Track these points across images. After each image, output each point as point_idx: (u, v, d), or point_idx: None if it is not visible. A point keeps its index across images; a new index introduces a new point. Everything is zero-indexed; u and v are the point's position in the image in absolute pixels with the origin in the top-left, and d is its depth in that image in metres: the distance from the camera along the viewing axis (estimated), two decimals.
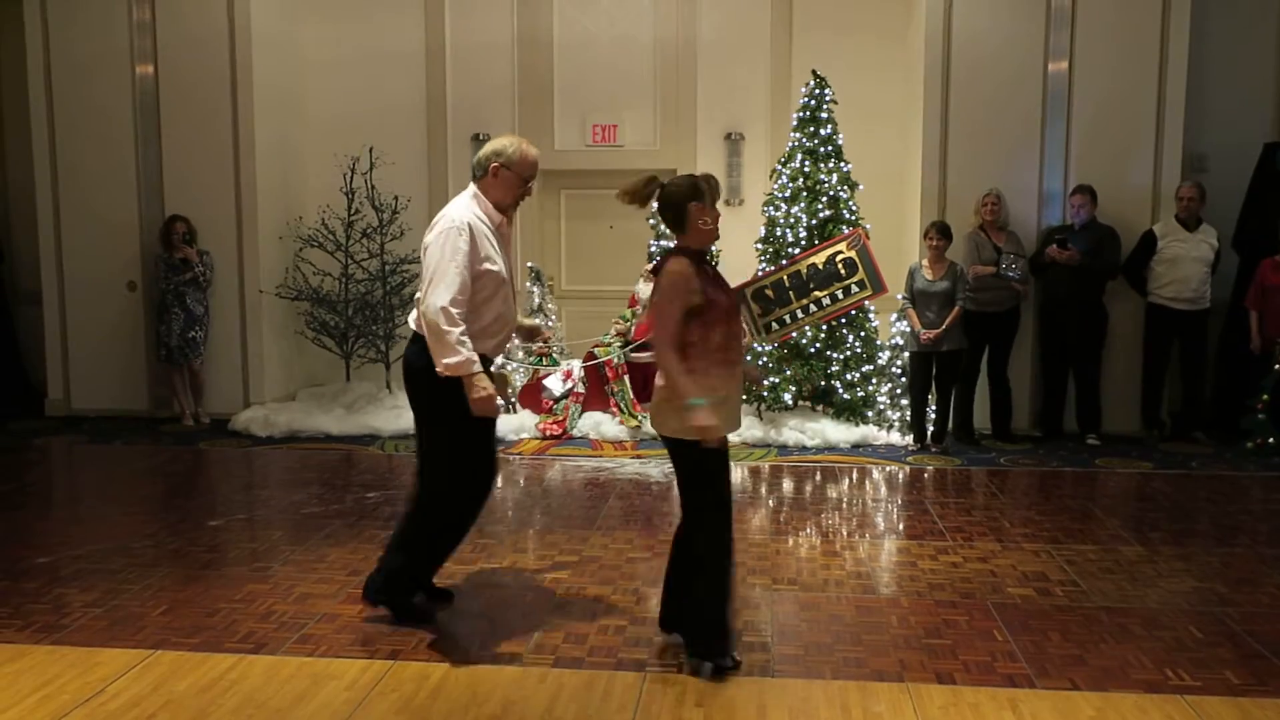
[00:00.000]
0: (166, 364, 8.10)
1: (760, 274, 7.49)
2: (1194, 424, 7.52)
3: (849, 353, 7.50)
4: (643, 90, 8.81)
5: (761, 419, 7.56)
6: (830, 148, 7.60)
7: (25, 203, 8.75)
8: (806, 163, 7.58)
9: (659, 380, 3.52)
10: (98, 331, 8.37)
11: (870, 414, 7.50)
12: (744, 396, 7.60)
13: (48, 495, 6.44)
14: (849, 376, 7.50)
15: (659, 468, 6.61)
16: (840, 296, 7.27)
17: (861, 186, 7.67)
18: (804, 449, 7.21)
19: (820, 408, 7.69)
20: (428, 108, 8.91)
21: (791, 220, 7.54)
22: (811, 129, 7.62)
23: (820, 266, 7.29)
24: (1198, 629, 3.93)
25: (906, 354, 7.36)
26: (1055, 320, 7.49)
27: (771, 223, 7.70)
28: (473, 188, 3.89)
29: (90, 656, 3.65)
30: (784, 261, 7.45)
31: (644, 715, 3.23)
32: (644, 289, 7.47)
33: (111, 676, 3.49)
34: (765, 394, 7.55)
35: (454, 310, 3.62)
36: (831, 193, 7.51)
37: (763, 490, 6.19)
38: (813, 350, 7.49)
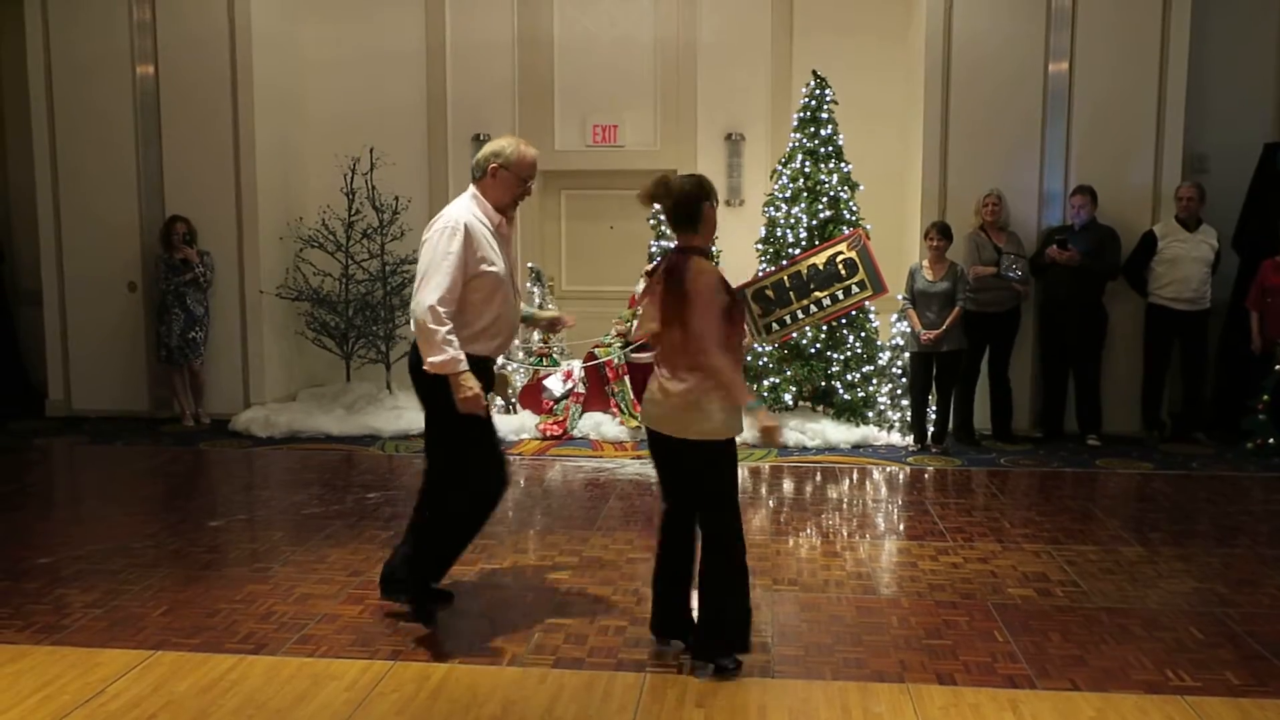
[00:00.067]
0: (167, 364, 8.10)
1: (761, 274, 7.49)
2: (1194, 425, 7.52)
3: (849, 353, 7.50)
4: (643, 91, 8.81)
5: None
6: (831, 148, 7.60)
7: (26, 203, 8.75)
8: (807, 163, 7.58)
9: (675, 385, 3.45)
10: (98, 332, 8.37)
11: (871, 414, 7.50)
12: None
13: (48, 496, 6.44)
14: (849, 377, 7.50)
15: None
16: (841, 297, 7.27)
17: (862, 187, 7.67)
18: (804, 449, 7.21)
19: (820, 408, 7.69)
20: (428, 108, 8.91)
21: (792, 221, 7.54)
22: (812, 129, 7.62)
23: (821, 267, 7.29)
24: (1198, 630, 3.93)
25: (907, 354, 7.36)
26: (1055, 321, 7.49)
27: (772, 223, 7.70)
28: (472, 189, 3.91)
29: (91, 657, 3.65)
30: (784, 262, 7.46)
31: (644, 716, 3.23)
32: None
33: (112, 677, 3.49)
34: (765, 394, 7.55)
35: (441, 309, 3.64)
36: (832, 193, 7.51)
37: (763, 491, 6.19)
38: (813, 351, 7.49)
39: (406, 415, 7.82)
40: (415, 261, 3.89)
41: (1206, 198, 7.33)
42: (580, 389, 7.81)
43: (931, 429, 7.23)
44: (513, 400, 7.92)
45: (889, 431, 7.42)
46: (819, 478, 6.52)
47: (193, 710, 3.26)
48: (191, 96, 8.16)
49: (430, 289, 3.66)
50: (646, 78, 8.80)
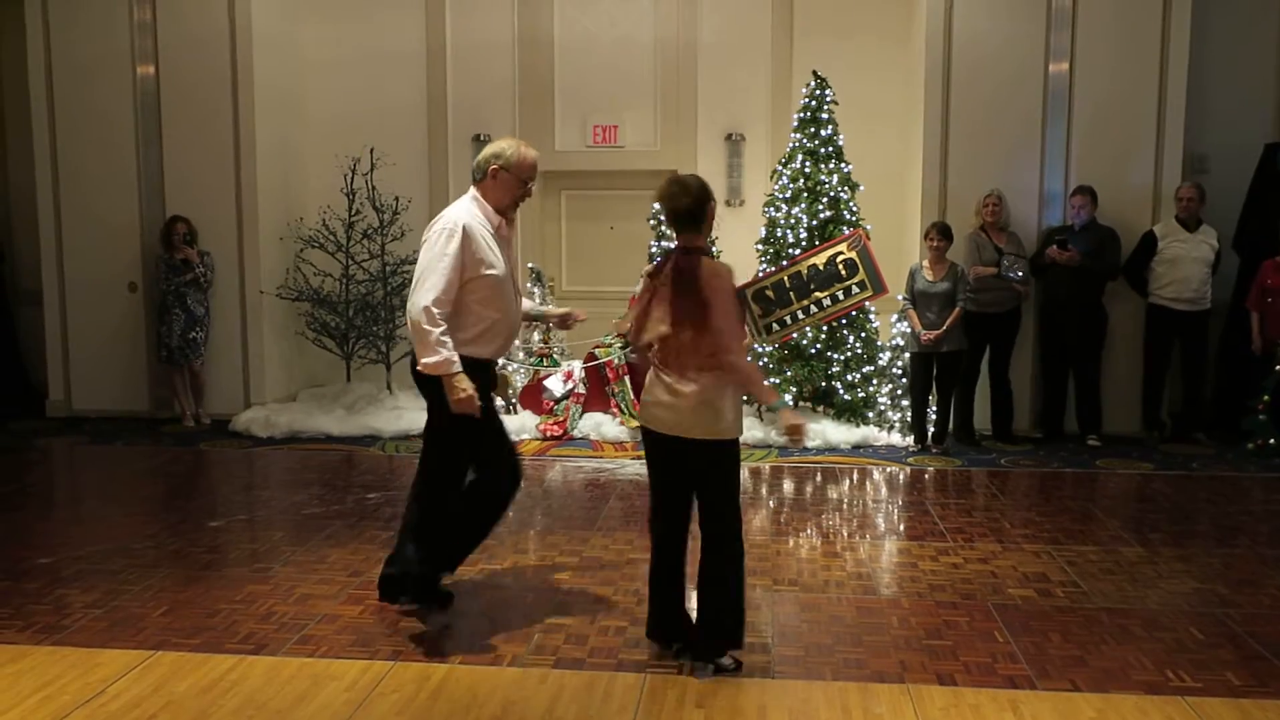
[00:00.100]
0: (167, 365, 8.10)
1: (760, 275, 7.43)
2: (1195, 425, 7.51)
3: (850, 354, 7.50)
4: (643, 91, 8.81)
5: (762, 420, 7.55)
6: (831, 149, 7.60)
7: (26, 203, 8.75)
8: (807, 163, 7.58)
9: (686, 387, 3.44)
10: (99, 332, 8.38)
11: (871, 415, 7.50)
12: (744, 397, 7.65)
13: (49, 496, 6.44)
14: (850, 377, 7.50)
15: None
16: (841, 297, 7.22)
17: (862, 187, 7.67)
18: (805, 450, 7.21)
19: (821, 409, 7.68)
20: (428, 108, 8.91)
21: (792, 221, 7.54)
22: (812, 130, 7.62)
23: (821, 267, 7.26)
24: (1198, 630, 3.93)
25: (907, 355, 7.36)
26: (1055, 321, 7.49)
27: (772, 223, 7.70)
28: (473, 190, 3.94)
29: (91, 657, 3.65)
30: (784, 262, 7.44)
31: (645, 716, 3.23)
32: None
33: (112, 677, 3.49)
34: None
35: (436, 310, 3.67)
36: (832, 193, 7.51)
37: (763, 491, 6.19)
38: (813, 351, 7.49)
39: (407, 415, 7.82)
40: (415, 262, 3.90)
41: (1206, 198, 7.33)
42: (580, 389, 7.81)
43: (932, 429, 7.23)
44: (513, 401, 7.92)
45: (889, 432, 7.42)
46: (819, 478, 6.52)
47: (193, 710, 3.26)
48: (192, 97, 8.16)
49: (426, 290, 3.68)
50: (647, 78, 8.80)
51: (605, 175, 8.85)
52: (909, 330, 7.17)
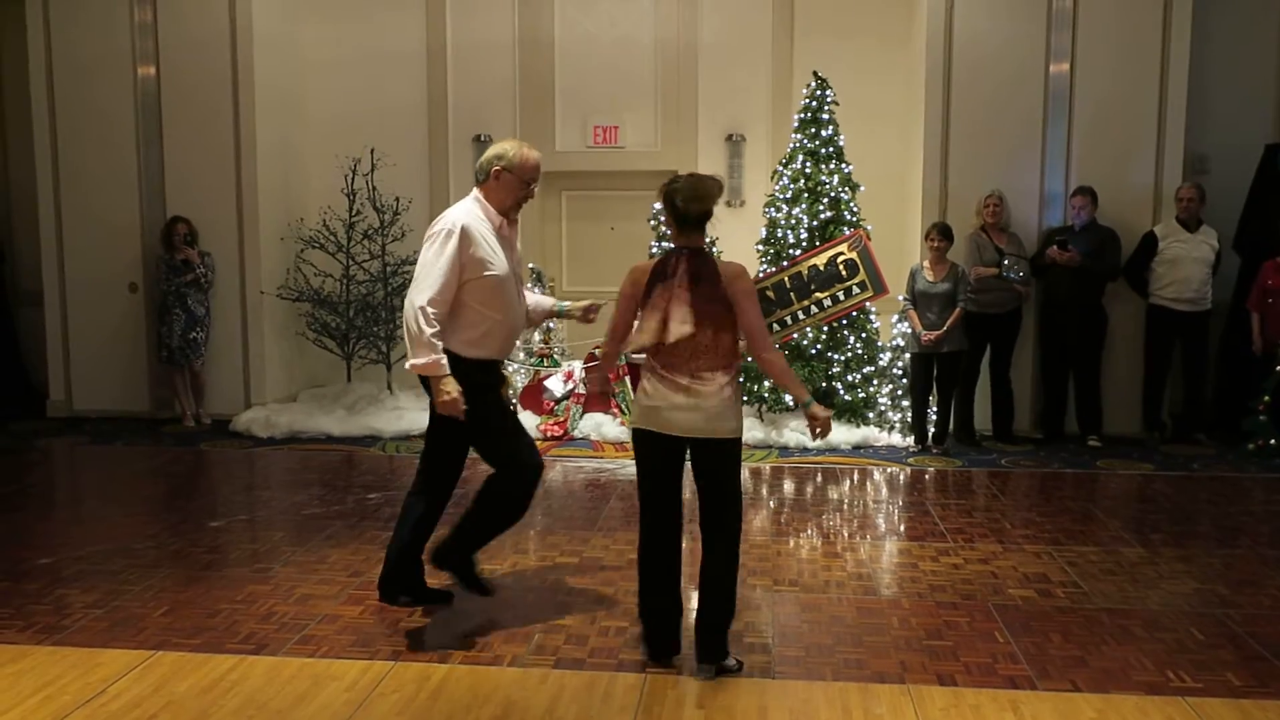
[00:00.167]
0: (168, 365, 8.10)
1: (761, 275, 7.49)
2: (1195, 426, 7.51)
3: (850, 354, 7.50)
4: (644, 92, 8.81)
5: (763, 420, 7.56)
6: (831, 149, 7.60)
7: (27, 204, 8.76)
8: (808, 164, 7.58)
9: (705, 387, 3.42)
10: (99, 333, 8.38)
11: (871, 415, 7.50)
12: (744, 398, 7.66)
13: (49, 496, 6.44)
14: (850, 378, 7.50)
15: None
16: (841, 298, 7.27)
17: (863, 188, 7.67)
18: (805, 450, 7.21)
19: None
20: (429, 109, 8.91)
21: (793, 221, 7.54)
22: (813, 130, 7.62)
23: (821, 268, 7.29)
24: (1199, 631, 3.92)
25: (907, 355, 7.36)
26: (1055, 322, 7.49)
27: (773, 224, 7.70)
28: (475, 191, 3.96)
29: (91, 657, 3.65)
30: (785, 263, 7.46)
31: (645, 717, 3.23)
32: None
33: (113, 677, 3.49)
34: (766, 395, 7.55)
35: (431, 311, 3.69)
36: (833, 194, 7.51)
37: (764, 491, 6.19)
38: (814, 351, 7.49)
39: (408, 416, 7.83)
40: (416, 263, 3.91)
41: (1207, 198, 7.33)
42: (581, 389, 7.82)
43: (932, 430, 7.23)
44: (513, 401, 7.92)
45: (890, 432, 7.42)
46: (820, 478, 6.52)
47: (193, 711, 3.26)
48: (192, 97, 8.17)
49: (422, 290, 3.71)
50: (647, 79, 8.81)
51: (606, 176, 8.85)
52: (909, 331, 7.18)
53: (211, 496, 6.18)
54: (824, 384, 7.52)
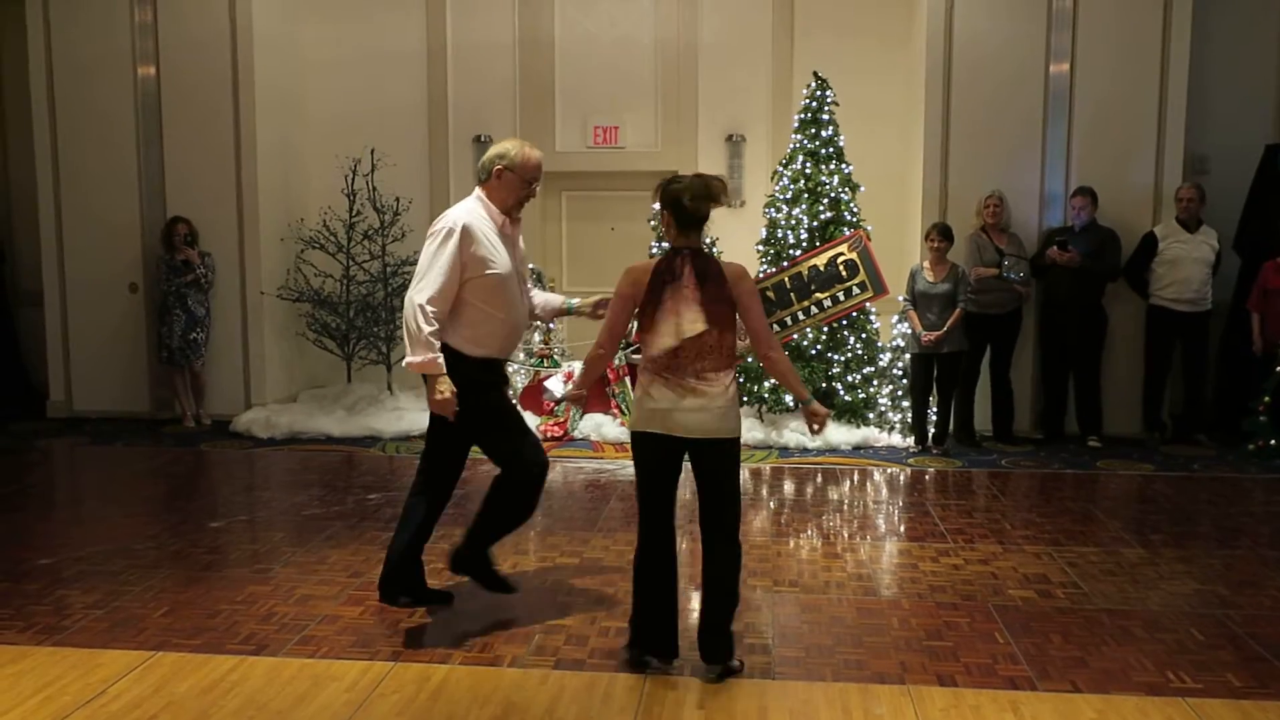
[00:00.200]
0: (168, 365, 8.10)
1: (761, 276, 7.49)
2: (1195, 426, 7.51)
3: (850, 354, 7.50)
4: (644, 92, 8.81)
5: (763, 421, 7.56)
6: (831, 149, 7.60)
7: (27, 204, 8.76)
8: (808, 164, 7.58)
9: (711, 387, 3.42)
10: (99, 333, 8.38)
11: (871, 416, 7.50)
12: (744, 398, 7.67)
13: (49, 497, 6.44)
14: (850, 378, 7.50)
15: None
16: (841, 298, 7.27)
17: (863, 188, 7.67)
18: (805, 451, 7.21)
19: None
20: (429, 109, 8.91)
21: (793, 222, 7.54)
22: (813, 131, 7.62)
23: (821, 268, 7.30)
24: (1199, 631, 3.92)
25: (908, 356, 7.36)
26: (1055, 322, 7.49)
27: (773, 224, 7.70)
28: (478, 190, 3.98)
29: (92, 658, 3.65)
30: (785, 263, 7.46)
31: (645, 718, 3.23)
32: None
33: (113, 678, 3.49)
34: (766, 395, 7.55)
35: (430, 309, 3.72)
36: (833, 194, 7.51)
37: (764, 492, 6.19)
38: (814, 352, 7.48)
39: (408, 416, 7.83)
40: (416, 263, 3.92)
41: (1207, 199, 7.33)
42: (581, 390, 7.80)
43: (932, 430, 7.22)
44: (514, 402, 7.92)
45: (890, 433, 7.42)
46: (820, 479, 6.52)
47: (194, 711, 3.26)
48: (193, 97, 8.17)
49: (421, 289, 3.74)
50: (647, 79, 8.81)
51: (606, 176, 8.85)
52: (909, 331, 7.17)
53: (212, 497, 6.18)
54: (824, 384, 7.52)
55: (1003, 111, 7.66)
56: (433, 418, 3.97)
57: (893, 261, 7.65)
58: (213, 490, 6.38)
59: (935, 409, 7.23)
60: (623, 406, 7.71)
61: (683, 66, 8.72)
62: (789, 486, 6.32)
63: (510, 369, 7.89)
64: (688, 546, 4.85)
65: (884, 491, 6.27)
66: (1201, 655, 3.71)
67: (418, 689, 3.42)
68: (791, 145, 7.75)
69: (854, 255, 7.23)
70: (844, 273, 7.25)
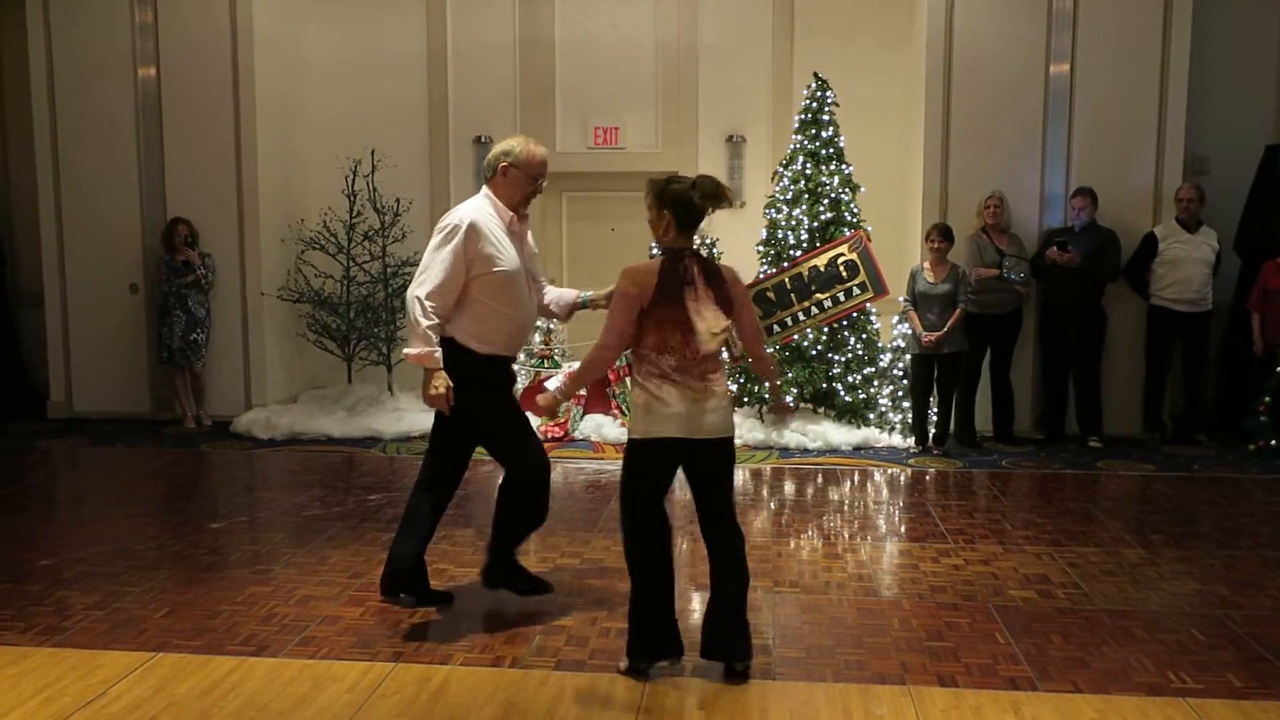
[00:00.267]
0: (168, 366, 8.10)
1: (762, 276, 7.50)
2: (1196, 426, 7.51)
3: (850, 355, 7.50)
4: (644, 92, 8.82)
5: (763, 421, 7.56)
6: (832, 150, 7.60)
7: (27, 205, 8.76)
8: (808, 165, 7.59)
9: (718, 387, 3.45)
10: (100, 334, 8.38)
11: (872, 416, 7.50)
12: (745, 398, 7.67)
13: (50, 498, 6.45)
14: (850, 379, 7.50)
15: None
16: (842, 299, 7.28)
17: (863, 189, 7.67)
18: (806, 451, 7.21)
19: (822, 410, 7.68)
20: (429, 110, 8.92)
21: (793, 222, 7.54)
22: (813, 131, 7.62)
23: (822, 269, 7.30)
24: (1200, 632, 3.92)
25: (908, 356, 7.36)
26: (1055, 323, 7.49)
27: (773, 225, 7.70)
28: (485, 188, 4.00)
29: (92, 659, 3.65)
30: (785, 264, 7.46)
31: (646, 718, 3.23)
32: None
33: (113, 679, 3.49)
34: (766, 396, 7.54)
35: (429, 304, 3.75)
36: (833, 195, 7.52)
37: (764, 492, 6.19)
38: (814, 352, 7.49)
39: (408, 417, 7.83)
40: (416, 264, 3.94)
41: (1207, 199, 7.34)
42: (582, 390, 7.81)
43: (933, 431, 7.22)
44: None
45: (890, 433, 7.42)
46: (820, 480, 6.51)
47: (194, 712, 3.26)
48: (193, 99, 8.17)
49: (423, 282, 3.78)
50: (648, 80, 8.81)
51: (606, 177, 8.85)
52: (910, 332, 7.17)
53: (212, 498, 6.18)
54: (825, 385, 7.52)
55: (1003, 112, 7.66)
56: (438, 414, 3.98)
57: (893, 262, 7.66)
58: (213, 491, 6.38)
59: (936, 409, 7.23)
60: (622, 407, 7.71)
61: (683, 67, 8.72)
62: (789, 487, 6.32)
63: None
64: (688, 547, 4.86)
65: (884, 492, 6.27)
66: (1202, 656, 3.71)
67: (418, 690, 3.42)
68: (792, 146, 7.75)
69: (854, 256, 7.23)
70: (844, 273, 7.25)
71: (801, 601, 4.26)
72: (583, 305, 4.29)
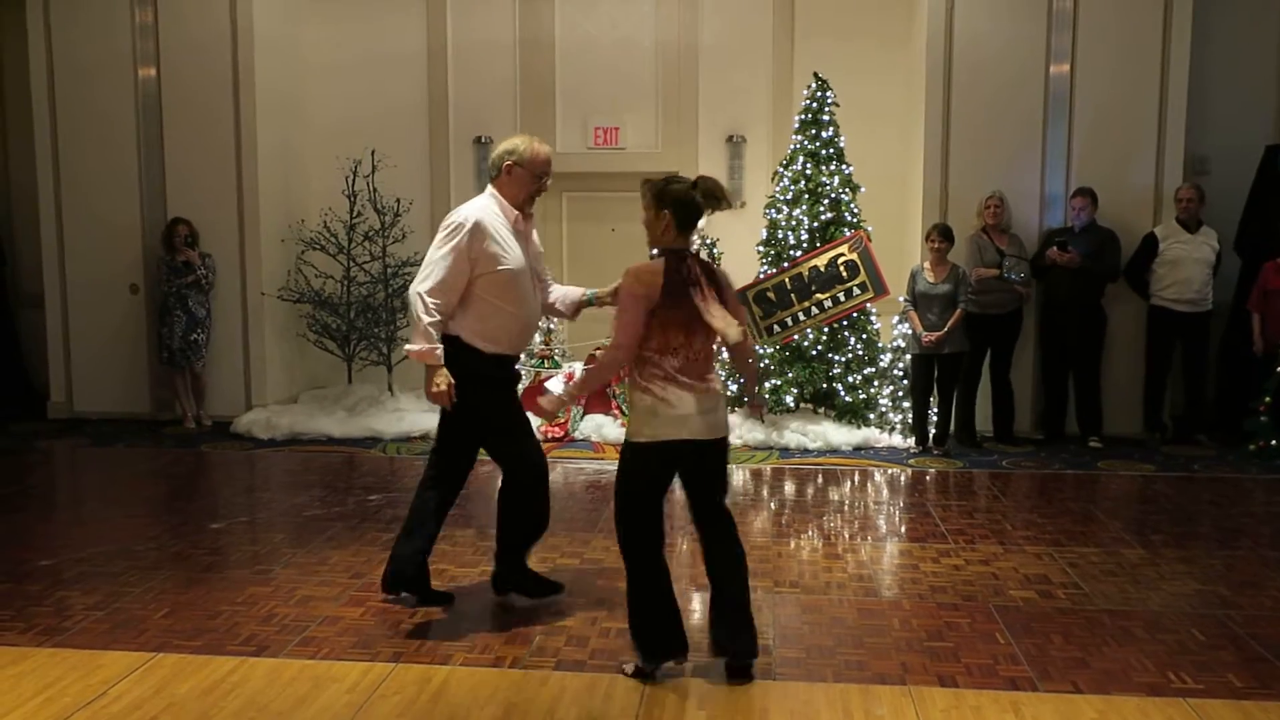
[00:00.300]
0: (168, 366, 8.10)
1: (762, 276, 7.50)
2: (1196, 426, 7.51)
3: (851, 355, 7.50)
4: (644, 93, 8.82)
5: (764, 421, 7.55)
6: (832, 150, 7.60)
7: (27, 205, 8.76)
8: (808, 165, 7.59)
9: (718, 386, 3.50)
10: (100, 334, 8.38)
11: (872, 416, 7.50)
12: (744, 398, 7.66)
13: (50, 498, 6.45)
14: (851, 379, 7.50)
15: None
16: (842, 299, 7.28)
17: (863, 189, 7.67)
18: (806, 451, 7.21)
19: (822, 410, 7.68)
20: (429, 110, 8.92)
21: (793, 223, 7.54)
22: (813, 132, 7.62)
23: (822, 269, 7.30)
24: (1200, 632, 3.92)
25: (908, 356, 7.36)
26: (1056, 323, 7.49)
27: (773, 225, 7.70)
28: (490, 187, 4.02)
29: (92, 659, 3.65)
30: (786, 264, 7.46)
31: (646, 718, 3.23)
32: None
33: (113, 679, 3.49)
34: (767, 396, 7.55)
35: (431, 300, 3.77)
36: (833, 195, 7.52)
37: (764, 493, 6.19)
38: (814, 353, 7.49)
39: (408, 417, 7.83)
40: (418, 264, 3.95)
41: (1207, 199, 7.34)
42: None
43: (933, 431, 7.22)
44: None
45: (890, 433, 7.42)
46: (820, 480, 6.51)
47: (194, 712, 3.26)
48: (193, 99, 8.17)
49: (427, 279, 3.80)
50: (648, 80, 8.81)
51: (606, 177, 8.84)
52: (910, 332, 7.17)
53: (212, 498, 6.18)
54: (825, 385, 7.52)
55: (1003, 112, 7.66)
56: (444, 413, 3.99)
57: (893, 262, 7.66)
58: (213, 491, 6.38)
59: (936, 410, 7.22)
60: (622, 407, 7.71)
61: (683, 67, 8.72)
62: (789, 487, 6.32)
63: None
64: (688, 547, 4.86)
65: (885, 492, 6.27)
66: (1202, 656, 3.71)
67: (419, 690, 3.42)
68: (792, 146, 7.75)
69: (854, 256, 7.23)
70: (844, 273, 7.25)
71: (802, 602, 4.26)
72: (588, 303, 4.29)
